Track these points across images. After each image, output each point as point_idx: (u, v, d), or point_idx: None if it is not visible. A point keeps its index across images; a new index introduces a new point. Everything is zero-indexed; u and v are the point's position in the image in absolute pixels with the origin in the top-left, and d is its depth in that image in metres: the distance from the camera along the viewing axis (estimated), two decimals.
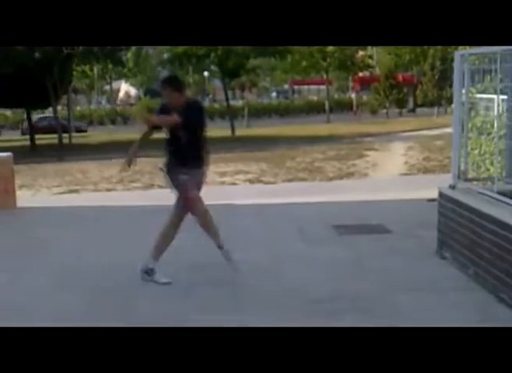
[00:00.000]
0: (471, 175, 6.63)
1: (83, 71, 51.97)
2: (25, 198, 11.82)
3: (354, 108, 52.31)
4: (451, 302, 4.91)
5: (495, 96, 7.30)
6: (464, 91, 6.28)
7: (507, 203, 5.12)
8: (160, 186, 15.30)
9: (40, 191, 15.47)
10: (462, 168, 6.14)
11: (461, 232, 5.71)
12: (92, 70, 52.81)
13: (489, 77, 6.73)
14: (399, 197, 9.51)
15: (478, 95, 8.93)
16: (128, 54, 49.24)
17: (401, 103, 48.65)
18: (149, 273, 5.60)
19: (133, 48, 45.31)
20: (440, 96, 44.16)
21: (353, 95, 58.06)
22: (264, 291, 5.30)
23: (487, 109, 8.75)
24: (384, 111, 47.82)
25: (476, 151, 9.60)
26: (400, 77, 49.79)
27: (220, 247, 5.61)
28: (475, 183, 6.41)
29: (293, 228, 7.64)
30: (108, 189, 15.16)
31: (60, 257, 6.72)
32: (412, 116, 46.83)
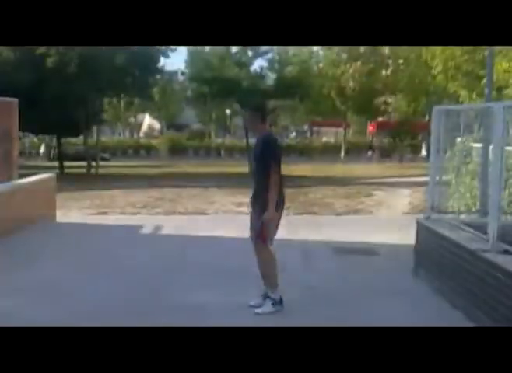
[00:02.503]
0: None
1: (110, 102, 53.90)
2: (59, 217, 13.25)
3: (369, 151, 53.71)
4: (414, 305, 6.21)
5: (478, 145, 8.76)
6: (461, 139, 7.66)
7: (466, 230, 6.43)
8: (180, 213, 16.74)
9: (71, 212, 16.89)
10: (435, 203, 7.47)
11: (431, 253, 7.00)
12: (119, 102, 54.81)
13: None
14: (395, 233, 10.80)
15: (474, 144, 10.27)
16: (154, 89, 51.07)
17: (414, 149, 49.98)
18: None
19: (160, 83, 47.16)
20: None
21: (369, 139, 59.58)
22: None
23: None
24: (398, 156, 49.20)
25: (468, 195, 10.88)
26: (415, 123, 51.20)
27: (265, 296, 5.81)
28: (450, 216, 7.70)
29: (298, 249, 8.95)
30: (133, 213, 16.58)
31: (97, 258, 8.13)
32: (425, 161, 48.04)
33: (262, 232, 5.67)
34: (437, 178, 7.49)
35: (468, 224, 6.67)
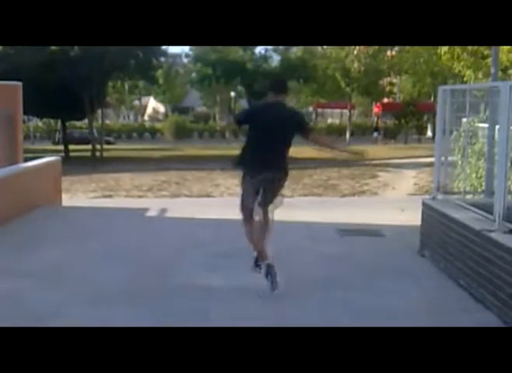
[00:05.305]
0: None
1: (114, 86, 53.87)
2: (64, 200, 13.30)
3: (374, 133, 53.62)
4: (420, 285, 6.22)
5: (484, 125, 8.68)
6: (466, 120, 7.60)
7: (472, 211, 6.42)
8: (186, 195, 16.78)
9: (76, 195, 16.98)
10: (441, 183, 7.45)
11: (437, 233, 7.00)
12: (123, 85, 54.76)
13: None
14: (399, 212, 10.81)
15: (480, 124, 10.22)
16: (159, 72, 51.04)
17: (420, 130, 49.84)
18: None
19: (164, 66, 47.01)
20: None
21: (374, 120, 59.40)
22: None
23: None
24: (404, 137, 49.03)
25: (474, 175, 10.84)
26: (420, 105, 50.96)
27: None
28: (456, 196, 7.68)
29: (304, 231, 8.97)
30: (139, 196, 16.65)
31: (104, 241, 8.15)
32: (430, 142, 47.97)
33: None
34: (443, 158, 7.46)
35: (474, 205, 6.66)
